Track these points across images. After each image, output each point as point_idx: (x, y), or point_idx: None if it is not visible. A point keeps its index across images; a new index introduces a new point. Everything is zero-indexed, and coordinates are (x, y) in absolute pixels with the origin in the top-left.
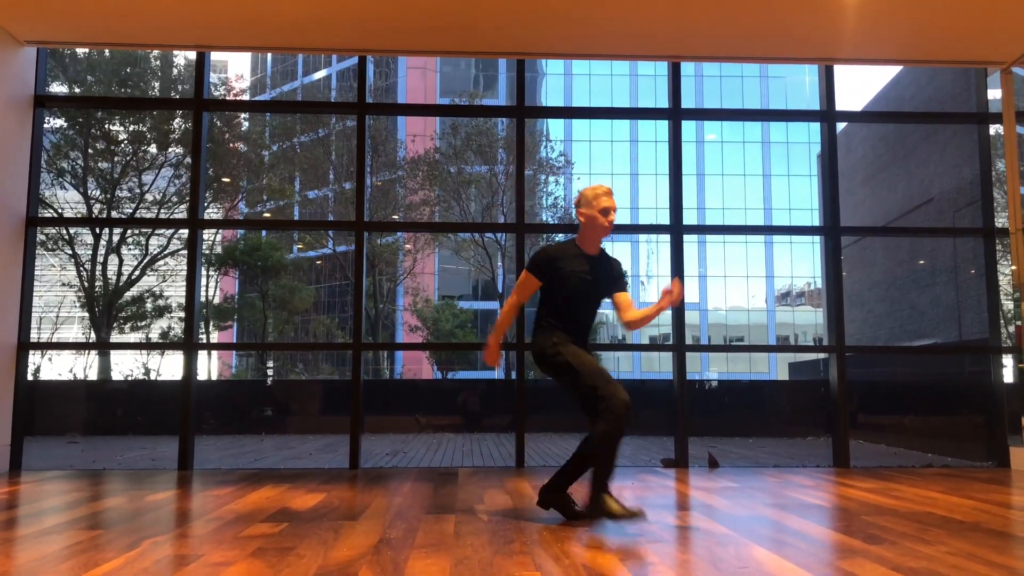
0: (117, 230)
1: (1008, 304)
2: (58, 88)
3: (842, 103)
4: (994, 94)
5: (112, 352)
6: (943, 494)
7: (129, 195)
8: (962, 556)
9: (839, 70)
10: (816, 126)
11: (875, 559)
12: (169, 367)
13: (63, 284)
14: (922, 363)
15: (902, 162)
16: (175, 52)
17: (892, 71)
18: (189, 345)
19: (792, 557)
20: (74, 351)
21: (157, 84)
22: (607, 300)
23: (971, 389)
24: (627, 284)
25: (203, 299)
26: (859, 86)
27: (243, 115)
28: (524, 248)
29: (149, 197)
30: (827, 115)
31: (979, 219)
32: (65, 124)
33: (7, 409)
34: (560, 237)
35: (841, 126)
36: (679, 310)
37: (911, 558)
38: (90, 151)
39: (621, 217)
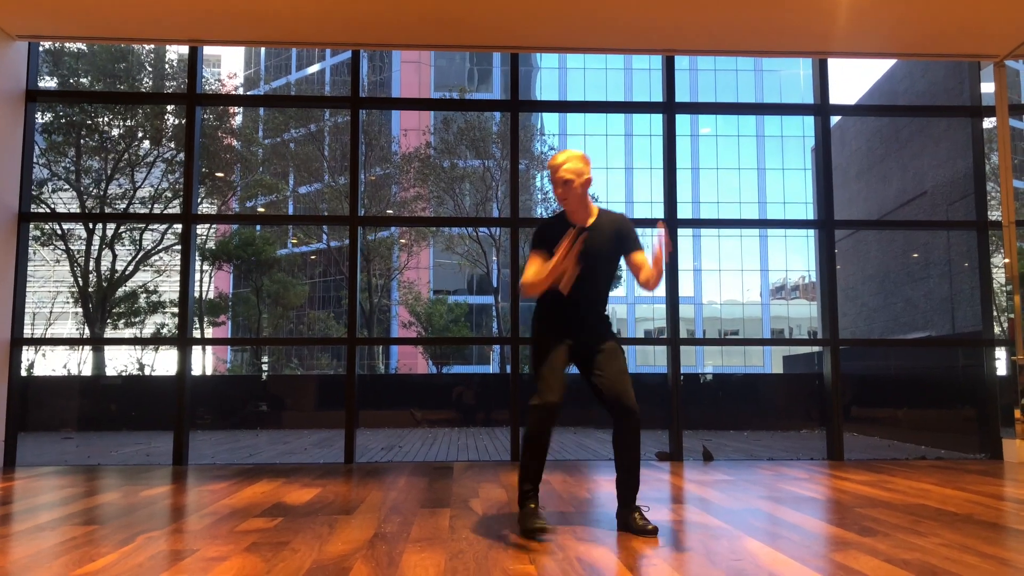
0: (111, 225)
1: (1001, 297)
2: (50, 83)
3: (836, 97)
4: (987, 87)
5: (106, 348)
6: (936, 486)
7: (120, 191)
8: (955, 548)
9: (833, 64)
10: (810, 120)
11: (869, 551)
12: (163, 362)
13: (57, 280)
14: (916, 356)
15: (896, 156)
16: (168, 47)
17: (886, 65)
18: (183, 340)
19: (786, 549)
20: (68, 347)
21: (150, 81)
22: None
23: (964, 382)
24: (638, 242)
25: (197, 295)
26: (853, 80)
27: (236, 111)
28: (519, 242)
29: (143, 193)
30: (821, 109)
31: (972, 212)
32: (54, 119)
33: (1, 405)
34: None
35: (835, 120)
36: (673, 304)
37: (904, 550)
38: (83, 146)
39: (616, 211)
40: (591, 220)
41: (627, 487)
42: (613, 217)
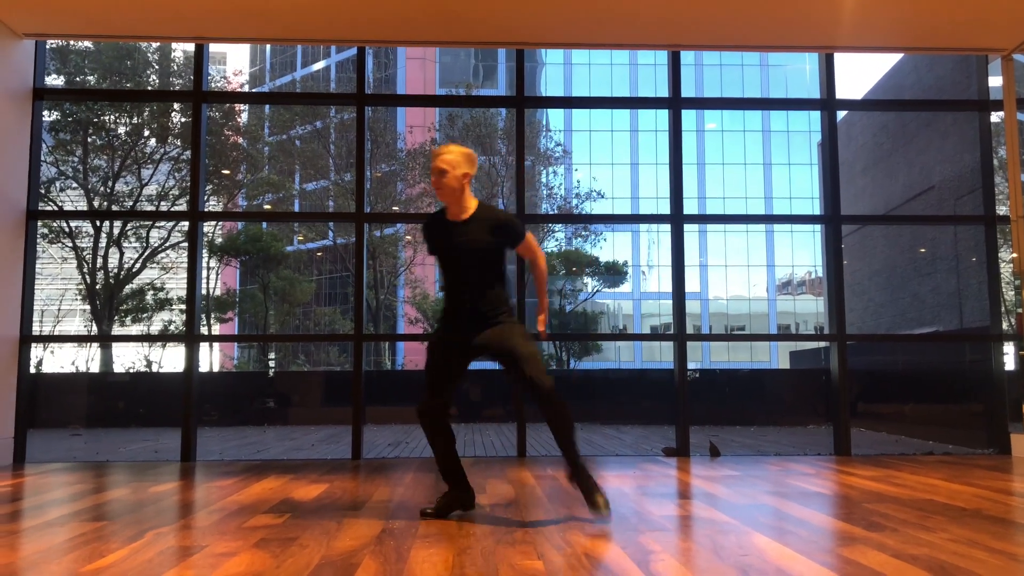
0: (118, 223)
1: (1009, 292)
2: (56, 81)
3: (842, 91)
4: (995, 81)
5: (114, 345)
6: (944, 481)
7: (127, 188)
8: (963, 543)
9: (839, 58)
10: (816, 115)
11: (876, 546)
12: (171, 359)
13: (65, 277)
14: (923, 351)
15: (903, 150)
16: (173, 45)
17: (892, 59)
18: (191, 337)
19: (794, 545)
20: (76, 344)
21: (156, 79)
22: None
23: (972, 377)
24: (515, 235)
25: (204, 291)
26: (859, 74)
27: (241, 108)
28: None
29: (150, 190)
30: (827, 103)
31: (980, 207)
32: (61, 117)
33: (10, 402)
34: (560, 227)
35: (841, 114)
36: (679, 300)
37: (912, 545)
38: (89, 144)
39: (622, 207)
40: (465, 215)
41: (567, 456)
42: (491, 214)
